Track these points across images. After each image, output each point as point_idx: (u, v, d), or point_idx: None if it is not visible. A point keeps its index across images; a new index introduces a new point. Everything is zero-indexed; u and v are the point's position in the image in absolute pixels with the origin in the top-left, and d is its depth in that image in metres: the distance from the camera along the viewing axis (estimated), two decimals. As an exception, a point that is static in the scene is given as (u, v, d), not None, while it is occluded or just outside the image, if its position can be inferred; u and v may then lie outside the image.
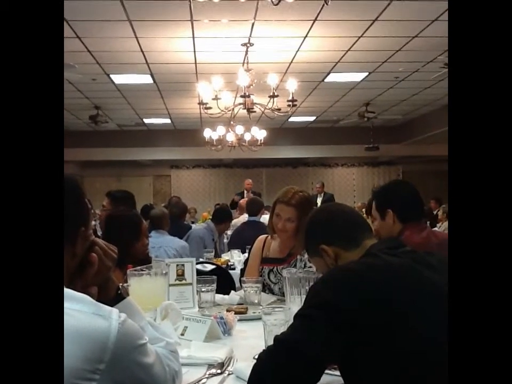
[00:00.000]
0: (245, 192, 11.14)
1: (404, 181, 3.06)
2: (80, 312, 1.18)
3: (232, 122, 8.55)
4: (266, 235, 3.32)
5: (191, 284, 2.72)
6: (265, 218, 7.04)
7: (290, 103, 6.33)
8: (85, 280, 1.42)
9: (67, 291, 1.21)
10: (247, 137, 9.30)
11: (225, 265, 4.93)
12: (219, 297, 2.84)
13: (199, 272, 3.11)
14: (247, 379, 1.47)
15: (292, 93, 6.32)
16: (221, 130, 9.04)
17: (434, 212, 10.36)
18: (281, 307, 2.01)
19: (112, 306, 1.29)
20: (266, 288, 3.10)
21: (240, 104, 6.92)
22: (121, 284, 1.58)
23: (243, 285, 2.86)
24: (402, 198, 2.76)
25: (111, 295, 1.50)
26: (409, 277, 1.52)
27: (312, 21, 6.21)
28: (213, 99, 6.54)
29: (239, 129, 8.87)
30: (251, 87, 6.63)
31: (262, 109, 6.91)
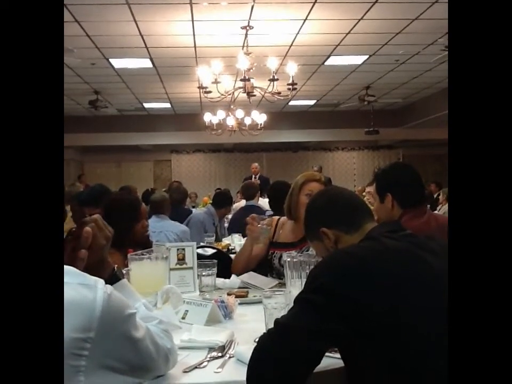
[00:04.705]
0: (253, 176, 11.12)
1: (405, 164, 3.01)
2: (66, 284, 1.17)
3: (232, 106, 8.53)
4: (278, 217, 3.29)
5: (191, 268, 2.73)
6: (264, 201, 7.04)
7: (290, 86, 6.31)
8: (79, 258, 1.42)
9: None
10: (247, 121, 9.28)
11: (226, 249, 4.93)
12: (220, 281, 2.84)
13: (200, 256, 3.11)
14: (247, 362, 1.48)
15: (292, 77, 6.30)
16: (221, 114, 9.01)
17: (435, 195, 10.36)
18: (281, 290, 2.02)
19: None
20: (274, 272, 3.09)
21: (240, 88, 6.89)
22: (116, 266, 1.58)
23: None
24: (402, 183, 2.74)
25: (105, 277, 1.49)
26: (410, 261, 1.52)
27: (312, 4, 6.17)
28: (213, 83, 6.51)
29: (239, 113, 8.84)
30: (251, 70, 6.60)
31: (262, 93, 6.88)
